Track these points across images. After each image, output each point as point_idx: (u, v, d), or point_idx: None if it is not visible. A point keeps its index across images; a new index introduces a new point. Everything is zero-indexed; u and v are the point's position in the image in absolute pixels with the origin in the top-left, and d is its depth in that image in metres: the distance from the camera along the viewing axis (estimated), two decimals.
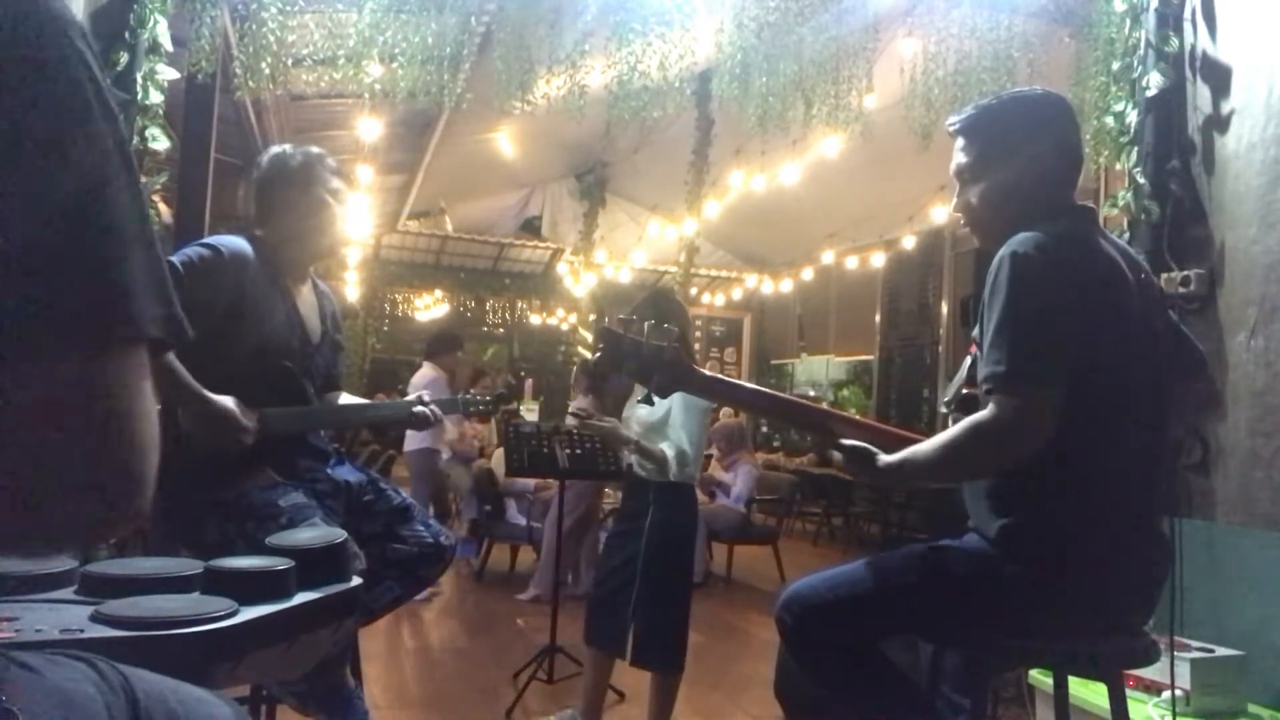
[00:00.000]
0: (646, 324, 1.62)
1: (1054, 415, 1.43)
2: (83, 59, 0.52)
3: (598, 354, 1.62)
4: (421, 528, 2.30)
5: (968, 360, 1.67)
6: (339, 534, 1.60)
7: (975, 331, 1.61)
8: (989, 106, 1.72)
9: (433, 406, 2.44)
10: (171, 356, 1.81)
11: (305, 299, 2.26)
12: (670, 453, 2.77)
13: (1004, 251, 1.51)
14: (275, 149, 2.28)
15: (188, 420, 1.95)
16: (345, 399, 2.43)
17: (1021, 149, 1.65)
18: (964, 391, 1.64)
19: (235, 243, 2.07)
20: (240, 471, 2.02)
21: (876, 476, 1.60)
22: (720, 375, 1.75)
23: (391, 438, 7.15)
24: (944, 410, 1.71)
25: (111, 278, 0.51)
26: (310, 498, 2.09)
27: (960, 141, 1.73)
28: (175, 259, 1.97)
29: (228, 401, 1.97)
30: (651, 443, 2.80)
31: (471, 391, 4.43)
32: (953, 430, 1.53)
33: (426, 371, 5.63)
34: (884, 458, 1.58)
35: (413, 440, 5.53)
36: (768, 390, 1.77)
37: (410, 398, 2.53)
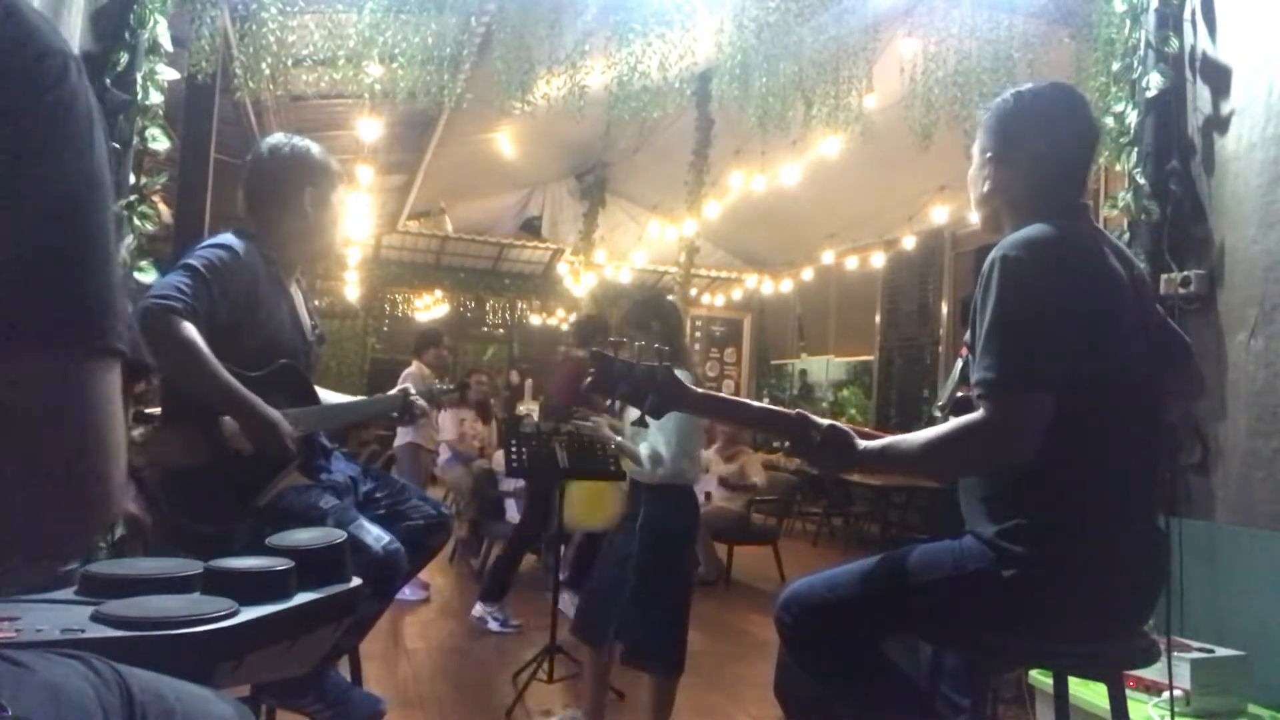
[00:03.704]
0: (637, 344, 1.62)
1: (1044, 421, 1.42)
2: (79, 87, 0.54)
3: (589, 379, 1.61)
4: (420, 501, 2.39)
5: (959, 363, 1.67)
6: (339, 534, 1.60)
7: (967, 335, 1.61)
8: (1011, 105, 1.69)
9: (416, 398, 2.51)
10: (218, 365, 1.80)
11: (296, 295, 2.24)
12: (644, 452, 2.78)
13: (994, 254, 1.51)
14: (296, 140, 2.20)
15: (230, 427, 1.90)
16: (325, 394, 2.40)
17: (1027, 151, 1.65)
18: (958, 395, 1.64)
19: (243, 242, 2.04)
20: (272, 476, 1.99)
21: (854, 461, 1.58)
22: (714, 393, 1.75)
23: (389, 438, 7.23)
24: (937, 415, 1.71)
25: (89, 290, 0.52)
26: (334, 496, 2.10)
27: (980, 130, 1.75)
28: (195, 262, 1.90)
29: (274, 411, 1.92)
30: (634, 443, 2.83)
31: (447, 382, 4.75)
32: (943, 428, 1.53)
33: (410, 369, 5.73)
34: (863, 443, 1.57)
35: (398, 436, 5.74)
36: (759, 404, 1.76)
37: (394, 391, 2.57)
